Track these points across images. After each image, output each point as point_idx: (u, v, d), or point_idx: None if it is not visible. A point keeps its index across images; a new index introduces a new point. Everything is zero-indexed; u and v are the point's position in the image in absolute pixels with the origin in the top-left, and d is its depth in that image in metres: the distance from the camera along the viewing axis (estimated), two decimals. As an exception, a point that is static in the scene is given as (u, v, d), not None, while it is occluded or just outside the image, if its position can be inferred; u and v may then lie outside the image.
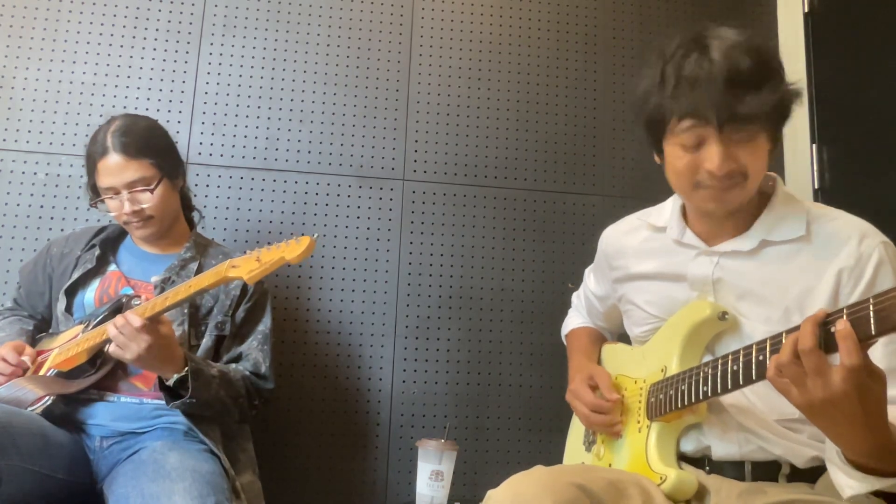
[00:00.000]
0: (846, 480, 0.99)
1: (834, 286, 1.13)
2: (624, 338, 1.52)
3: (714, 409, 1.20)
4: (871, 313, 0.86)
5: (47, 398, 1.48)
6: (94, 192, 1.66)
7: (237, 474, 1.50)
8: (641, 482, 1.14)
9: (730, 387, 1.07)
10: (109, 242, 1.73)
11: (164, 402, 1.49)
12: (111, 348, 1.41)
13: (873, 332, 0.86)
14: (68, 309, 1.64)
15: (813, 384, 0.91)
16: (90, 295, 1.63)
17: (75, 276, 1.65)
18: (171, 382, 1.45)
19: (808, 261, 1.16)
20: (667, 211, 1.34)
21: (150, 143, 1.63)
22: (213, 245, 1.77)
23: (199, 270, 1.64)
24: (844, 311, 0.90)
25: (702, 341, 1.23)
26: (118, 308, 1.55)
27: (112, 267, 1.68)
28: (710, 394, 1.11)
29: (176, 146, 1.73)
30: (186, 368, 1.44)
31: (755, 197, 1.22)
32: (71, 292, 1.65)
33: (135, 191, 1.59)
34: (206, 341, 1.61)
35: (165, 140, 1.70)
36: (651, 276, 1.34)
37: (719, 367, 1.09)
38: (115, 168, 1.58)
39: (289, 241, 1.32)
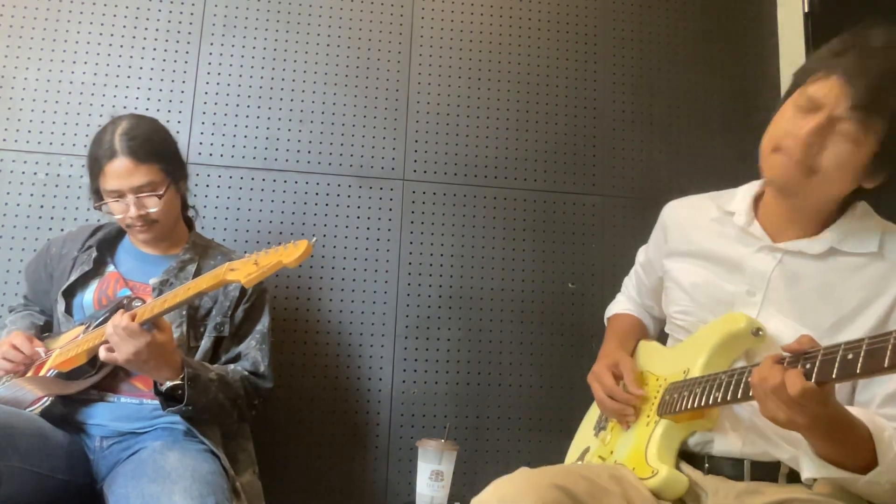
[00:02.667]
0: (806, 462, 1.06)
1: (888, 308, 1.12)
2: (663, 337, 1.51)
3: (727, 408, 1.20)
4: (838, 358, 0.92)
5: (46, 399, 1.48)
6: (97, 195, 1.63)
7: (237, 474, 1.50)
8: (621, 476, 1.15)
9: (739, 396, 1.06)
10: (106, 243, 1.72)
11: None
12: (102, 353, 1.40)
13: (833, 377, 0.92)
14: (68, 310, 1.64)
15: (774, 406, 0.98)
16: (89, 297, 1.63)
17: (72, 277, 1.65)
18: (163, 388, 1.45)
19: (874, 278, 1.14)
20: (738, 197, 1.30)
21: (160, 148, 1.62)
22: (212, 246, 1.76)
23: (197, 272, 1.64)
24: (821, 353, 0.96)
25: (731, 353, 1.21)
26: (119, 309, 1.54)
27: (110, 268, 1.67)
28: (720, 400, 1.10)
29: (179, 149, 1.71)
30: (182, 375, 1.43)
31: (832, 204, 1.19)
32: (69, 294, 1.64)
33: (142, 196, 1.58)
34: (205, 342, 1.60)
35: (172, 144, 1.68)
36: (708, 256, 1.29)
37: (735, 375, 1.09)
38: (124, 172, 1.56)
39: (287, 244, 1.32)
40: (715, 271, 1.27)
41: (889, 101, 1.06)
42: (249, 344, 1.65)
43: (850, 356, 0.89)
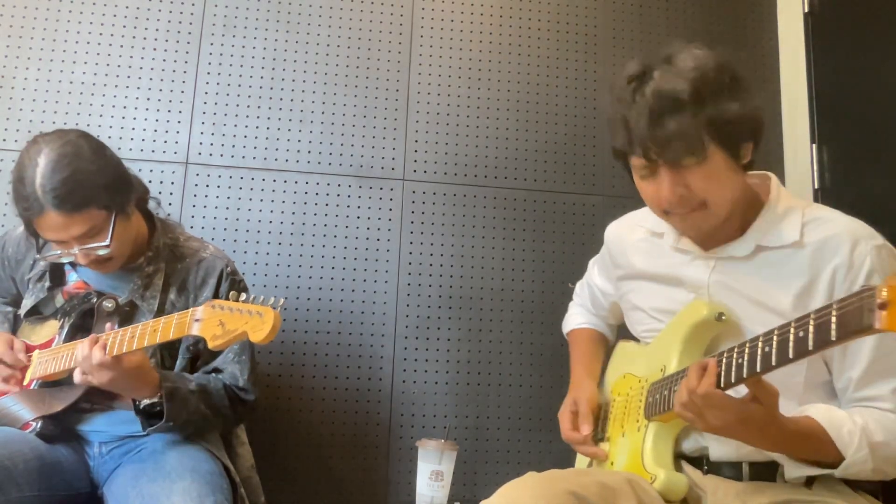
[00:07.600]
0: (786, 463, 1.12)
1: (829, 286, 1.13)
2: (625, 330, 1.51)
3: None
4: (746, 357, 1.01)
5: (37, 424, 1.43)
6: (35, 235, 1.44)
7: (236, 468, 1.49)
8: (633, 479, 1.15)
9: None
10: (58, 265, 1.55)
11: None
12: (77, 376, 1.34)
13: (758, 370, 0.99)
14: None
15: (710, 415, 1.05)
16: (59, 301, 1.55)
17: (29, 303, 1.54)
18: (142, 406, 1.39)
19: (801, 267, 1.15)
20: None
21: (91, 188, 1.37)
22: (179, 243, 1.58)
23: (165, 283, 1.52)
24: (724, 353, 1.05)
25: (701, 342, 1.23)
26: (90, 310, 1.48)
27: (73, 277, 1.55)
28: None
29: (119, 164, 1.47)
30: (160, 393, 1.37)
31: (750, 200, 1.22)
32: (33, 312, 1.55)
33: (87, 247, 1.39)
34: (181, 363, 1.52)
35: (105, 171, 1.41)
36: (650, 277, 1.34)
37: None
38: (59, 226, 1.36)
39: (252, 310, 1.21)
40: (662, 288, 1.31)
41: (663, 129, 1.09)
42: (226, 357, 1.52)
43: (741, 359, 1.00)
